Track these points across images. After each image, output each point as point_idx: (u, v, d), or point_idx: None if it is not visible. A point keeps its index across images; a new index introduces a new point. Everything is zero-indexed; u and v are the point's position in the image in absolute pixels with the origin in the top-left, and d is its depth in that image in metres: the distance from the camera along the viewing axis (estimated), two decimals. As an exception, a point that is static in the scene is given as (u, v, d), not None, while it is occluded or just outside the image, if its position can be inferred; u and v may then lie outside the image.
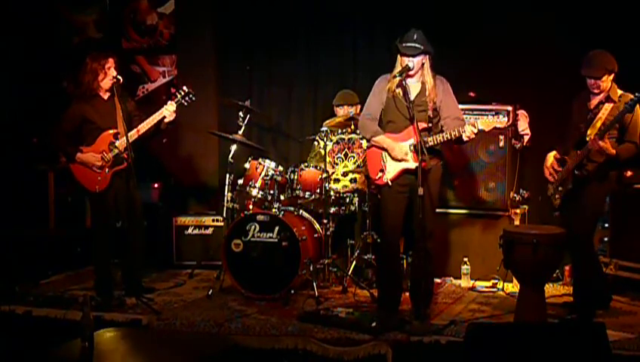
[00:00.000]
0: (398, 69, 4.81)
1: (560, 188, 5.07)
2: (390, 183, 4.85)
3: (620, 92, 4.89)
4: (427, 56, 4.79)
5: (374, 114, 4.97)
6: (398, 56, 4.82)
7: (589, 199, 4.94)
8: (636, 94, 4.65)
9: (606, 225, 5.70)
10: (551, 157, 5.16)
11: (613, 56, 4.86)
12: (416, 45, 4.71)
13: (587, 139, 4.86)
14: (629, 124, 4.81)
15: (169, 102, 5.45)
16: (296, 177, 5.83)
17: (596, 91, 4.90)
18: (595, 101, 4.96)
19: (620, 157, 4.81)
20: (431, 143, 4.74)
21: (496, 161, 6.02)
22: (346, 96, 6.31)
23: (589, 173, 4.91)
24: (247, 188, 5.83)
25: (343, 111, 6.24)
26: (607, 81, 4.86)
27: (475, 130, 4.65)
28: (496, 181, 6.02)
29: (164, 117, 5.40)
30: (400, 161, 4.81)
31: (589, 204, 4.94)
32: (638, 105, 4.74)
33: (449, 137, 4.72)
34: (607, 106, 4.87)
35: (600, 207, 5.04)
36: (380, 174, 4.88)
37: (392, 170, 4.85)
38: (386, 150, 4.86)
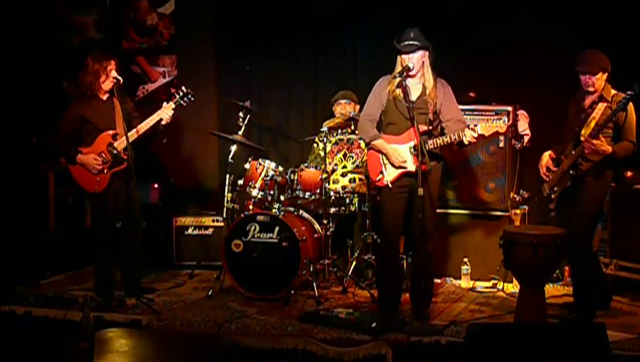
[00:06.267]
0: (398, 69, 4.81)
1: (555, 189, 5.07)
2: (390, 185, 4.85)
3: (613, 92, 4.89)
4: (426, 53, 4.80)
5: (374, 115, 4.97)
6: (398, 56, 4.83)
7: (586, 199, 4.93)
8: (628, 93, 4.65)
9: (605, 225, 5.70)
10: (546, 156, 5.16)
11: (607, 56, 4.87)
12: (414, 42, 4.72)
13: (582, 138, 4.86)
14: (624, 123, 4.81)
15: (167, 105, 5.46)
16: (296, 178, 5.84)
17: (591, 89, 4.90)
18: (588, 101, 4.96)
19: (616, 155, 4.80)
20: (431, 146, 4.74)
21: (496, 161, 6.01)
22: (345, 93, 6.31)
23: (584, 173, 4.92)
24: (247, 189, 5.83)
25: (340, 108, 6.24)
26: (601, 80, 4.86)
27: (476, 135, 4.65)
28: (497, 181, 6.01)
29: (162, 119, 5.42)
30: (398, 167, 4.82)
31: (586, 204, 4.94)
32: (631, 104, 4.74)
33: (449, 141, 4.72)
34: (601, 106, 4.87)
35: (597, 206, 5.03)
36: (380, 176, 4.89)
37: (392, 171, 4.86)
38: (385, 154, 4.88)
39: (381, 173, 4.89)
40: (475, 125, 4.69)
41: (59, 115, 5.45)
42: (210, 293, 5.59)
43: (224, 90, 7.25)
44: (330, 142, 6.10)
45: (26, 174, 7.08)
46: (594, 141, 4.71)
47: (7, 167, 6.98)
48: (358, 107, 6.14)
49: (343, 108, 6.22)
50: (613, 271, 5.56)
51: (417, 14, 6.20)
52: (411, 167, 4.77)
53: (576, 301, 5.13)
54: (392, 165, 4.85)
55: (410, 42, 4.73)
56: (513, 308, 4.90)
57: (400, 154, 4.81)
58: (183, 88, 5.53)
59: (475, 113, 5.89)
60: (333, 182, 5.91)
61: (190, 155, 7.43)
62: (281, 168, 5.91)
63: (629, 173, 5.60)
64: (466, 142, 4.70)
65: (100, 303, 5.23)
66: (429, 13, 6.25)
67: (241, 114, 6.32)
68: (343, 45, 6.94)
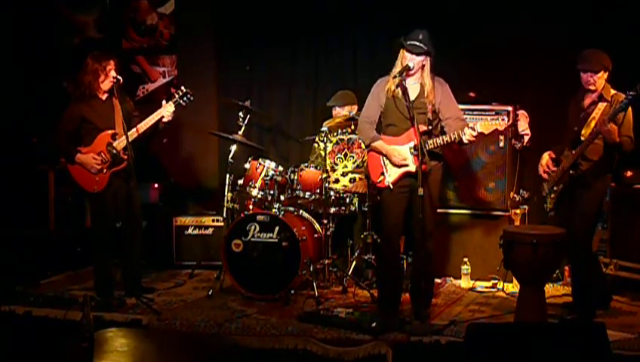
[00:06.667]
0: (397, 68, 4.81)
1: (555, 188, 5.07)
2: (392, 186, 4.85)
3: (613, 91, 4.88)
4: (428, 58, 4.79)
5: (373, 117, 4.97)
6: (399, 56, 4.83)
7: (586, 199, 4.93)
8: (629, 93, 4.63)
9: (605, 225, 5.70)
10: (546, 156, 5.16)
11: (608, 55, 4.87)
12: (421, 45, 4.71)
13: (582, 138, 4.86)
14: (623, 121, 4.80)
15: (167, 103, 5.46)
16: (296, 177, 5.84)
17: (592, 88, 4.89)
18: (588, 100, 4.96)
19: (622, 147, 4.77)
20: (431, 146, 4.74)
21: (496, 161, 6.01)
22: (340, 97, 6.29)
23: (583, 173, 4.91)
24: (247, 189, 5.83)
25: (336, 113, 6.23)
26: (602, 78, 4.86)
27: (475, 133, 4.65)
28: (497, 181, 6.02)
29: (163, 117, 5.42)
30: (400, 166, 4.81)
31: (586, 204, 4.93)
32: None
33: (449, 140, 4.72)
34: (601, 106, 4.86)
35: (597, 206, 5.01)
36: (382, 177, 4.89)
37: (393, 173, 4.85)
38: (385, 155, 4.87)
39: (382, 174, 4.89)
40: (475, 124, 4.69)
41: (59, 115, 5.45)
42: (210, 293, 5.59)
43: (224, 90, 7.25)
44: (330, 142, 6.10)
45: (26, 174, 7.07)
46: (609, 125, 4.66)
47: (7, 167, 6.97)
48: (356, 107, 6.14)
49: (339, 113, 6.21)
50: (613, 271, 5.56)
51: (417, 14, 6.21)
52: (412, 166, 4.77)
53: (576, 301, 5.13)
54: (394, 165, 4.84)
55: (418, 44, 4.71)
56: (513, 308, 4.90)
57: (400, 153, 4.80)
58: (183, 88, 5.53)
59: (475, 113, 5.89)
60: (334, 182, 5.91)
61: (190, 155, 7.43)
62: (281, 168, 5.91)
63: (629, 173, 5.59)
64: (466, 141, 4.70)
65: (100, 303, 5.23)
66: (429, 13, 6.24)
67: (241, 114, 6.32)
68: (343, 45, 6.94)
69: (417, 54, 4.73)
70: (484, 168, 6.06)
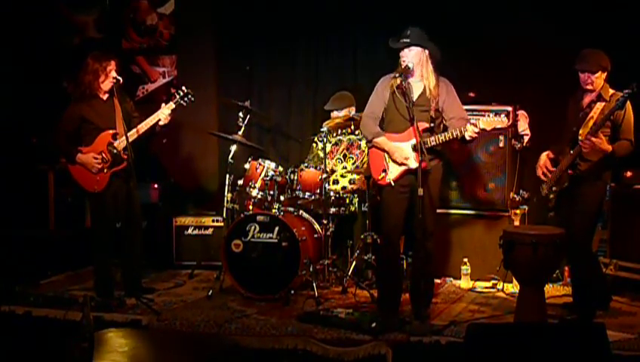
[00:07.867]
0: (400, 69, 4.81)
1: (554, 189, 5.06)
2: (393, 184, 4.84)
3: (611, 91, 4.87)
4: (425, 52, 4.79)
5: (376, 113, 4.96)
6: (399, 60, 4.83)
7: (584, 199, 4.92)
8: (625, 91, 4.64)
9: (605, 225, 5.70)
10: (544, 157, 5.15)
11: (607, 55, 4.87)
12: (407, 40, 4.71)
13: (580, 138, 4.86)
14: (622, 122, 4.80)
15: (165, 106, 5.47)
16: (296, 178, 5.84)
17: (589, 88, 4.89)
18: (587, 100, 4.95)
19: (616, 154, 4.79)
20: (433, 143, 4.73)
21: (496, 161, 6.01)
22: (338, 100, 6.28)
23: (582, 173, 4.91)
24: (247, 189, 5.84)
25: (334, 116, 6.22)
26: (600, 79, 4.86)
27: (477, 130, 4.65)
28: (497, 181, 6.02)
29: (159, 119, 5.43)
30: (401, 164, 4.81)
31: (585, 204, 4.92)
32: (629, 103, 4.74)
33: (451, 137, 4.71)
34: (599, 105, 4.86)
35: (596, 206, 5.00)
36: (383, 174, 4.88)
37: (394, 170, 4.85)
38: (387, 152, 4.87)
39: (384, 171, 4.88)
40: (478, 120, 4.69)
41: (59, 115, 5.45)
42: (210, 293, 5.59)
43: (224, 90, 7.25)
44: (329, 142, 6.10)
45: (26, 174, 7.08)
46: (593, 139, 4.69)
47: (7, 167, 6.98)
48: (353, 109, 6.13)
49: (337, 116, 6.21)
50: (613, 271, 5.56)
51: (417, 14, 6.20)
52: (414, 164, 4.76)
53: (576, 301, 5.13)
54: (395, 163, 4.84)
55: (404, 40, 4.73)
56: (513, 308, 4.90)
57: (403, 151, 4.79)
58: (184, 88, 5.54)
59: (475, 113, 5.87)
60: (334, 183, 5.91)
61: (190, 155, 7.43)
62: (281, 168, 5.91)
63: (629, 173, 5.59)
64: (468, 138, 4.69)
65: (100, 303, 5.23)
66: (429, 13, 6.24)
67: (241, 114, 6.33)
68: (343, 45, 6.94)
69: (408, 48, 4.73)
70: (484, 168, 6.06)
